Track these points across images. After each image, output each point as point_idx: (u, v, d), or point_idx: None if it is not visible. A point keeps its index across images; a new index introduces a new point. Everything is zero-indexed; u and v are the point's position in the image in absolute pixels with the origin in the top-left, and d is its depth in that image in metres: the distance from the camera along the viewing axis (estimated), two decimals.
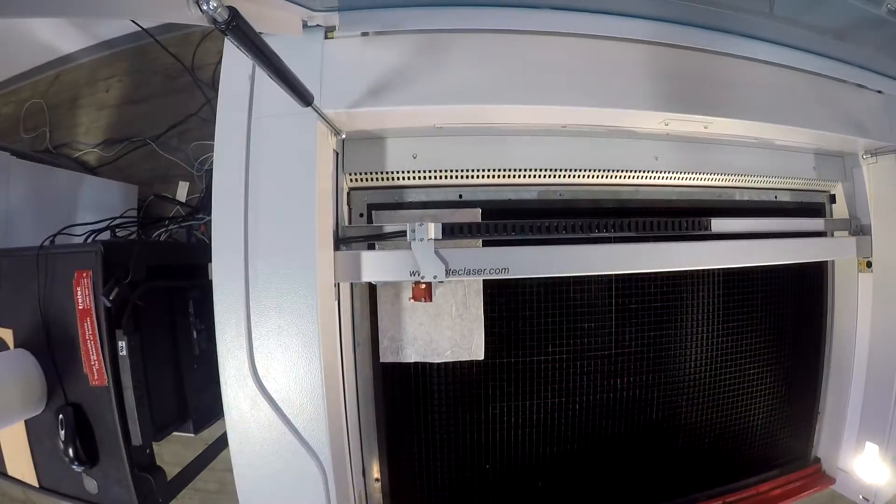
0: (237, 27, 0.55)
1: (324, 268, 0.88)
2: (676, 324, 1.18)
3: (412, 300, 0.96)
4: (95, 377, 1.01)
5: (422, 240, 0.90)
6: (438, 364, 1.10)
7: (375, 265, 0.93)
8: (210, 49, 2.20)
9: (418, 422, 1.11)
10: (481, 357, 1.10)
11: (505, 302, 1.12)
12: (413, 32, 0.86)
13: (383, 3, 0.83)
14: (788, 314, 1.29)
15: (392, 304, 1.11)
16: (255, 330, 0.82)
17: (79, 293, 0.99)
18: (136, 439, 1.01)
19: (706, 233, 1.06)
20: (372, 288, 1.10)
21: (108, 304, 0.96)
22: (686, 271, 1.16)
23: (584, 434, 1.17)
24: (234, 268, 0.82)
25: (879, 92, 1.04)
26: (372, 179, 1.06)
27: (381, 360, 1.09)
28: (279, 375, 0.83)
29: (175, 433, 1.28)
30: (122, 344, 0.98)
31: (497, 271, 0.94)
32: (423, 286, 0.94)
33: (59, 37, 2.06)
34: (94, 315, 0.99)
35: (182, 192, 2.22)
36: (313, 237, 0.84)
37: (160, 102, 2.22)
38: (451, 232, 0.94)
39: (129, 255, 1.03)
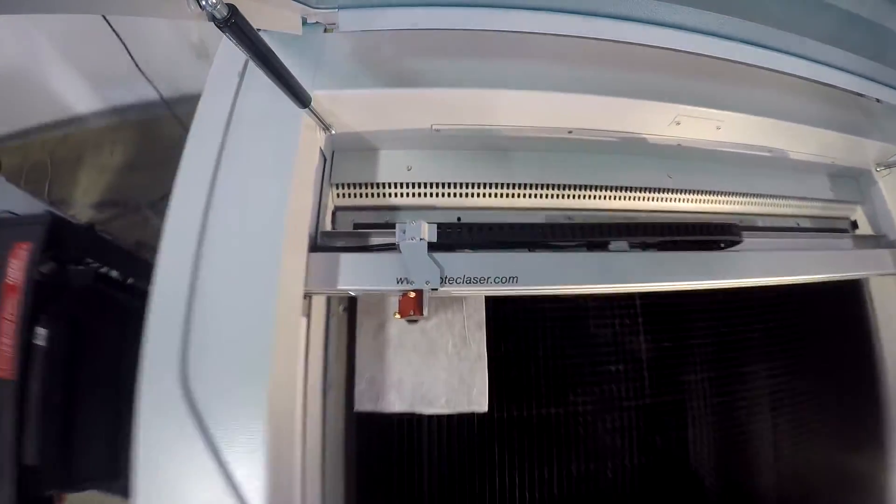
0: (236, 24, 0.53)
1: (292, 266, 0.73)
2: (717, 364, 0.97)
3: (398, 316, 0.78)
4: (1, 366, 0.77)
5: (413, 239, 0.76)
6: (430, 416, 0.87)
7: (356, 270, 0.78)
8: None
9: (401, 492, 0.84)
10: (484, 408, 0.88)
11: (514, 339, 0.93)
12: (413, 31, 0.85)
13: (384, 3, 0.84)
14: (835, 349, 1.11)
15: (374, 338, 0.92)
16: (194, 330, 0.64)
17: (12, 266, 0.83)
18: (31, 457, 0.75)
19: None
20: (351, 321, 0.92)
21: (39, 279, 0.78)
22: (722, 303, 1.00)
23: None
24: (184, 249, 0.68)
25: (877, 101, 1.03)
26: (361, 196, 0.97)
27: (357, 409, 0.86)
28: (213, 396, 0.61)
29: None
30: (41, 331, 0.78)
31: (504, 281, 0.79)
32: (413, 295, 0.77)
33: (73, 96, 2.19)
34: (20, 292, 0.80)
35: None
36: (282, 224, 0.71)
37: (161, 171, 2.25)
38: (448, 236, 0.81)
39: (80, 238, 0.88)
